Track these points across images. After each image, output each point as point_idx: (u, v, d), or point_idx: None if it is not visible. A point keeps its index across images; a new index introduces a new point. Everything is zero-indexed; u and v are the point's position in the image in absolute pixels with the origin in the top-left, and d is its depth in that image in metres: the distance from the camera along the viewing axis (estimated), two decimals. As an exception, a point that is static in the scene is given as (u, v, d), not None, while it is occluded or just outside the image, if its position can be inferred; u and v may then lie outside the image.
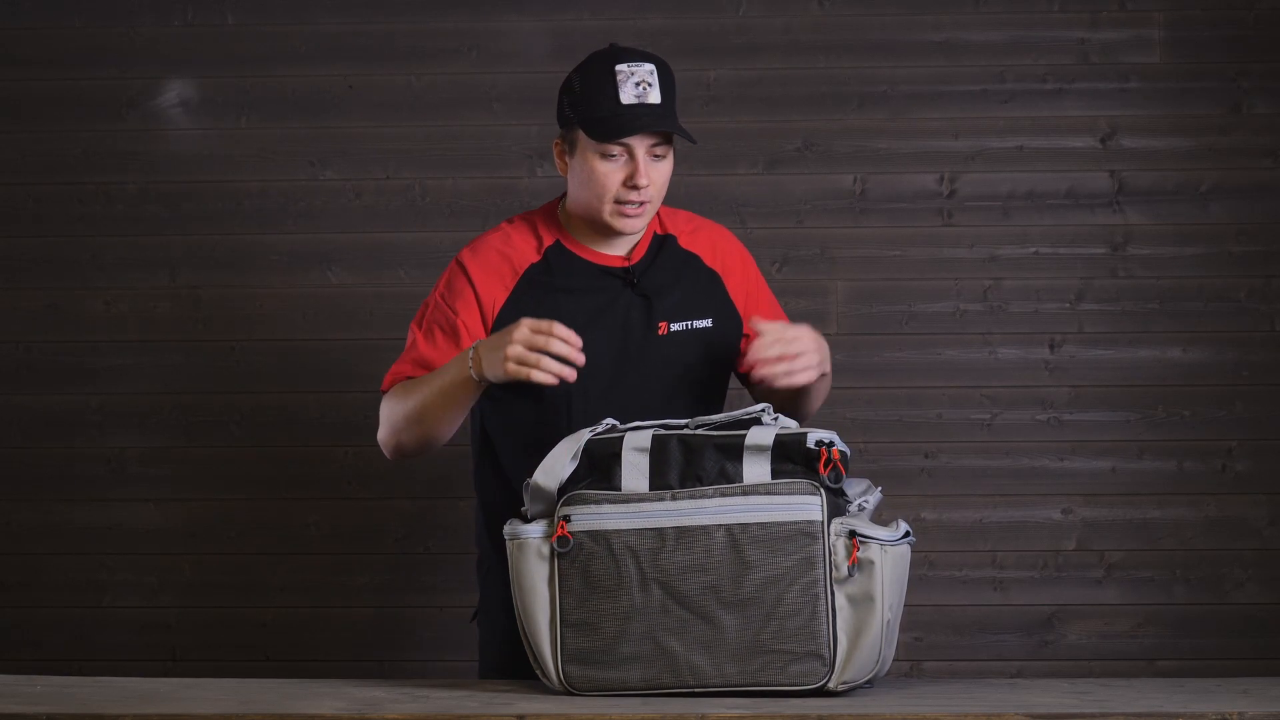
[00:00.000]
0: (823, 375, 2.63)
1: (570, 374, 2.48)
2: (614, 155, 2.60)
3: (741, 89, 3.91)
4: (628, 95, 2.57)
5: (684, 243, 2.75)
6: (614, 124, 2.57)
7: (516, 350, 2.46)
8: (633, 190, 2.60)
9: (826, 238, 3.90)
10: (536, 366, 2.46)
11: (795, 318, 3.97)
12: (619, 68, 2.59)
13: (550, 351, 2.46)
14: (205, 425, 3.92)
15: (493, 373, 2.50)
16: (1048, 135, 3.89)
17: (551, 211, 2.75)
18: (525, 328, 2.47)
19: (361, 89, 3.94)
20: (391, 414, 2.67)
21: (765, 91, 3.91)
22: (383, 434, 2.70)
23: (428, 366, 2.67)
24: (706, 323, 2.70)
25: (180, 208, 3.94)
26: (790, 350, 2.52)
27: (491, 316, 2.67)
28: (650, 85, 2.58)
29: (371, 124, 3.93)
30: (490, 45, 3.94)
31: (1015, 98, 3.90)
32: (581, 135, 2.62)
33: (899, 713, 2.08)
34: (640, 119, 2.57)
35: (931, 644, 3.86)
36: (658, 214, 2.75)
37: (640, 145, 2.59)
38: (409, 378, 2.68)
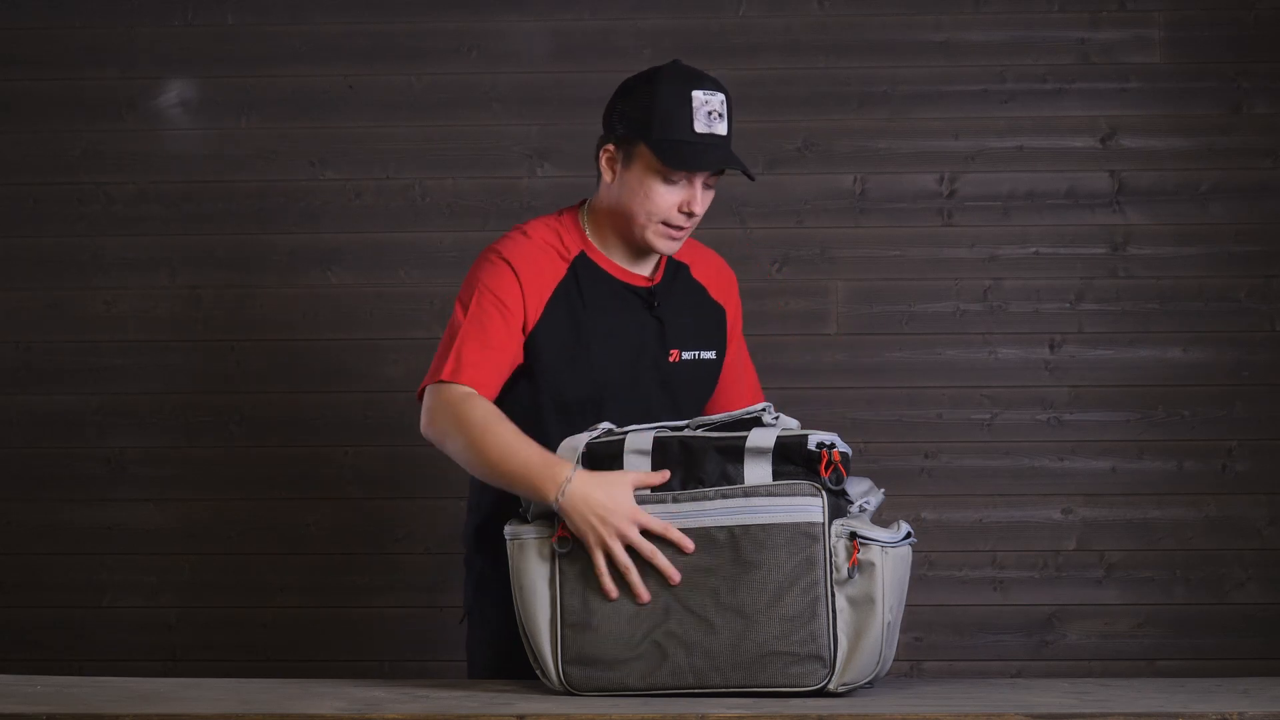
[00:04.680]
0: None
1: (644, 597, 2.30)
2: (675, 180, 2.57)
3: (741, 89, 3.88)
4: (701, 124, 2.56)
5: (695, 273, 2.74)
6: (688, 153, 2.55)
7: (618, 549, 2.29)
8: (686, 216, 2.59)
9: (826, 238, 3.90)
10: (626, 575, 2.29)
11: (796, 317, 4.00)
12: (695, 94, 2.57)
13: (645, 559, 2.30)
14: (205, 425, 3.92)
15: (577, 532, 2.32)
16: (1048, 135, 3.89)
17: (574, 220, 2.70)
18: (636, 528, 2.29)
19: (361, 89, 3.94)
20: (462, 435, 2.48)
21: (765, 91, 3.91)
22: (436, 433, 2.52)
23: (493, 348, 2.54)
24: (711, 355, 2.71)
25: (180, 208, 3.94)
26: None
27: (534, 319, 2.59)
28: (720, 116, 2.58)
29: (371, 124, 3.93)
30: (490, 45, 3.94)
31: (1015, 98, 3.90)
32: (646, 151, 2.56)
33: (899, 713, 2.08)
34: (711, 152, 2.56)
35: (931, 644, 3.86)
36: None
37: (699, 174, 2.58)
38: (478, 373, 2.52)
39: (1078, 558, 3.86)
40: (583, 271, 2.65)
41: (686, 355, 2.67)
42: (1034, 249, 3.89)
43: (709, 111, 2.56)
